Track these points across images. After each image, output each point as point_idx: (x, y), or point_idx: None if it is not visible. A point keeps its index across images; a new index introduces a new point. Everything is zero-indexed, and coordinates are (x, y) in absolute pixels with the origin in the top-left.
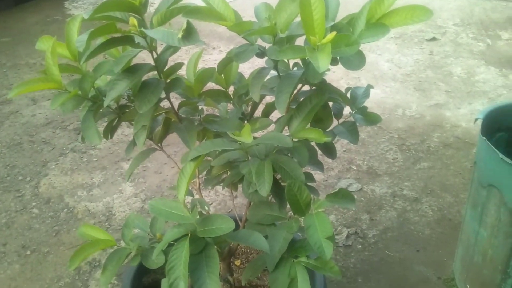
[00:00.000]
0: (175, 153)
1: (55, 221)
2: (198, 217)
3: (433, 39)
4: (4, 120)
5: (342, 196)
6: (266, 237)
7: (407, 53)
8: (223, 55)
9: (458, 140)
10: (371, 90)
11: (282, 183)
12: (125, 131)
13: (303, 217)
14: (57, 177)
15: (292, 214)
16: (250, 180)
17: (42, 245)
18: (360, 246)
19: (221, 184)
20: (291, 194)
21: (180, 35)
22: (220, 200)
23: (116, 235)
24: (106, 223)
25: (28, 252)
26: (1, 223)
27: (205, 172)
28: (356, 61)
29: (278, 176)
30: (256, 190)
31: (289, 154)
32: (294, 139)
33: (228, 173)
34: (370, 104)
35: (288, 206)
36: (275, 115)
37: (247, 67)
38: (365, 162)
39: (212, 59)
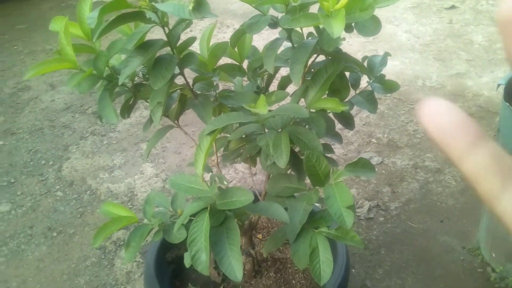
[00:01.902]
0: (193, 133)
1: (79, 203)
2: (217, 190)
3: (452, 7)
4: (25, 107)
5: (362, 165)
6: (286, 209)
7: (425, 22)
8: None
9: (480, 109)
10: (390, 62)
11: (300, 156)
12: (143, 113)
13: (322, 188)
14: (78, 160)
15: (311, 185)
16: (268, 153)
17: (68, 227)
18: (382, 218)
19: (239, 159)
20: (310, 165)
21: (190, 7)
22: (239, 177)
23: (139, 215)
24: (129, 204)
25: (55, 234)
26: (27, 207)
27: (222, 149)
28: (371, 27)
29: (297, 149)
30: (274, 162)
31: (306, 126)
32: (310, 110)
33: (246, 147)
34: (389, 76)
35: (307, 178)
36: (291, 89)
37: (262, 43)
38: (385, 135)
39: (226, 37)
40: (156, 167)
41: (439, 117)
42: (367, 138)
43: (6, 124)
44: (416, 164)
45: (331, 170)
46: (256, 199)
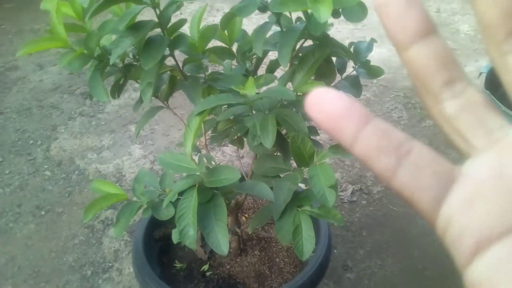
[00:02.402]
0: (181, 115)
1: (67, 182)
2: (205, 169)
3: None
4: (12, 86)
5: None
6: (271, 188)
7: None
8: None
9: None
10: (377, 49)
11: (286, 138)
12: (131, 95)
13: (307, 168)
14: (67, 140)
15: (297, 166)
16: (255, 133)
17: (56, 206)
18: (365, 202)
19: (227, 142)
20: (295, 146)
21: None
22: (227, 160)
23: (128, 195)
24: (117, 184)
25: (43, 213)
26: (15, 185)
27: (211, 131)
28: (358, 12)
29: (284, 132)
30: (260, 142)
31: (294, 109)
32: (297, 93)
33: (233, 128)
34: (376, 63)
35: (292, 159)
36: (279, 73)
37: (251, 27)
38: None
39: (216, 20)
40: (144, 149)
41: (325, 105)
42: None
43: None
44: None
45: (315, 152)
46: (242, 180)
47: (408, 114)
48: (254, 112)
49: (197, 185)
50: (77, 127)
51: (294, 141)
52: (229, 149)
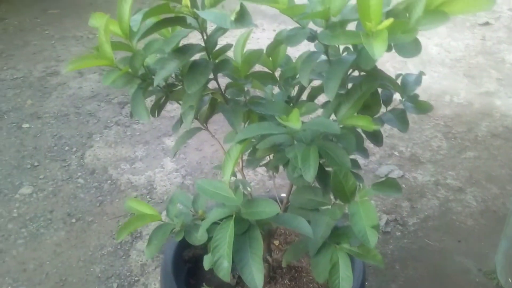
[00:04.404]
0: (215, 131)
1: (99, 191)
2: (242, 199)
3: (486, 23)
4: (52, 91)
5: (389, 185)
6: (308, 221)
7: (457, 37)
8: (266, 33)
9: (507, 130)
10: None
11: (326, 168)
12: (167, 107)
13: (347, 204)
14: (101, 149)
15: (335, 199)
16: (296, 165)
17: (87, 214)
18: (399, 233)
19: (262, 165)
20: (337, 181)
21: (233, 18)
22: (258, 179)
23: (158, 208)
24: (148, 196)
25: (73, 220)
26: (49, 191)
27: (247, 153)
28: (411, 48)
29: (322, 160)
30: (301, 175)
31: (333, 139)
32: (341, 125)
33: (272, 156)
34: (416, 89)
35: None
36: (321, 98)
37: (294, 49)
38: (408, 149)
39: (255, 37)
40: (176, 162)
41: None
42: (389, 150)
43: (34, 107)
44: (438, 181)
45: (357, 187)
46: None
47: (448, 144)
48: (295, 142)
49: (234, 216)
50: (112, 136)
51: (336, 175)
52: (261, 168)
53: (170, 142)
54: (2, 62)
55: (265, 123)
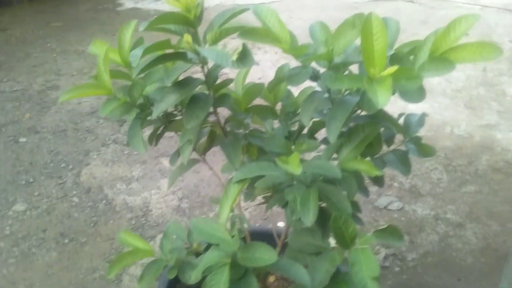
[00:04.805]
0: (213, 153)
1: (94, 211)
2: (239, 243)
3: None
4: (51, 106)
5: (390, 232)
6: (306, 265)
7: (458, 67)
8: (268, 56)
9: (508, 165)
10: (419, 105)
11: (327, 213)
12: None
13: (347, 250)
14: (98, 167)
15: (336, 243)
16: (294, 208)
17: (80, 235)
18: (398, 268)
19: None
20: (336, 226)
21: (234, 58)
22: (255, 206)
23: (152, 232)
24: (143, 219)
25: (66, 241)
26: (42, 209)
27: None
28: (415, 94)
29: (322, 204)
30: (299, 218)
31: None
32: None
33: (271, 194)
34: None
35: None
36: (322, 133)
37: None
38: (408, 180)
39: (256, 59)
40: (173, 185)
41: None
42: (389, 181)
43: (32, 121)
44: (438, 215)
45: (358, 234)
46: (271, 238)
47: (449, 177)
48: (295, 182)
49: (229, 262)
50: (110, 155)
51: (336, 221)
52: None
53: (167, 163)
54: (3, 73)
55: (265, 163)
